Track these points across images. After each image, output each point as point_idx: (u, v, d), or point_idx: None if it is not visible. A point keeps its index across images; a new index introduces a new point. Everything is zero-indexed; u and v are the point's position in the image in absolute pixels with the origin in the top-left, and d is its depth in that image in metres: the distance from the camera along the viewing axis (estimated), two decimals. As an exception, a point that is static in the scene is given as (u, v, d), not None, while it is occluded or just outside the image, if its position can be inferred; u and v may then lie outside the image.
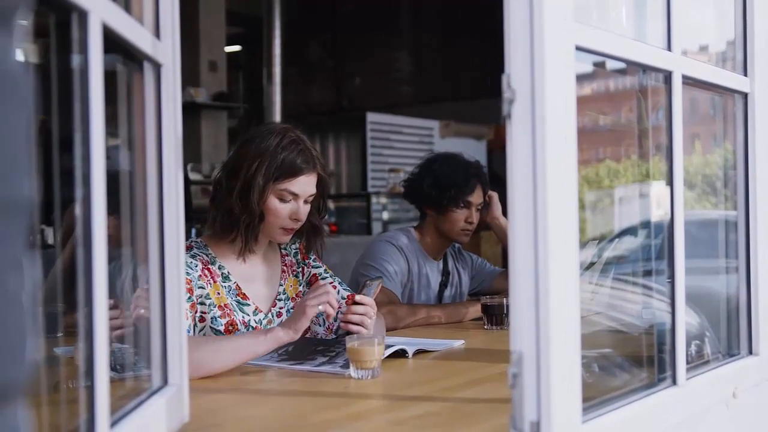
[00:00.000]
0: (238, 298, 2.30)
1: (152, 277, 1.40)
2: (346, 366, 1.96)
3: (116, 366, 1.35)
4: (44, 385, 1.19)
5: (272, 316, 2.36)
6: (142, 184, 1.38)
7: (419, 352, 2.25)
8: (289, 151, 2.26)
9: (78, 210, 1.04)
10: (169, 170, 1.40)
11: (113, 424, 1.12)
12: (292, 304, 2.42)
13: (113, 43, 1.14)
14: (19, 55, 0.61)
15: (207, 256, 2.29)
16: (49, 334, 1.35)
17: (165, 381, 1.40)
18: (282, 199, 2.27)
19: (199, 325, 2.20)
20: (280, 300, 2.41)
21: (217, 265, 2.30)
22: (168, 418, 1.36)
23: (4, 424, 0.60)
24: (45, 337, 1.15)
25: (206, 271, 2.24)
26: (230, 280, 2.30)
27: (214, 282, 2.26)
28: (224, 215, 2.27)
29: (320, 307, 2.05)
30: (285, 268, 2.46)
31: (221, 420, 1.66)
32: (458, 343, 2.42)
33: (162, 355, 1.40)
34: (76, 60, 1.04)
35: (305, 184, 2.29)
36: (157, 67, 1.38)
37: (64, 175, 1.06)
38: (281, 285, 2.43)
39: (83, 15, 1.02)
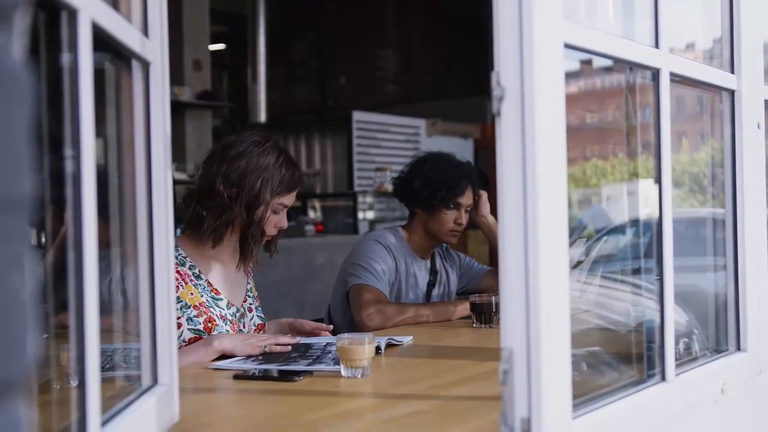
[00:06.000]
0: (212, 294, 2.38)
1: (141, 277, 1.39)
2: (337, 363, 1.96)
3: (104, 365, 1.34)
4: (34, 385, 1.19)
5: (244, 310, 2.48)
6: (130, 184, 1.38)
7: (389, 346, 2.32)
8: (286, 167, 2.39)
9: (68, 210, 1.03)
10: (158, 170, 1.39)
11: (104, 423, 1.11)
12: (257, 303, 2.56)
13: (101, 41, 1.13)
14: (19, 53, 0.61)
15: (176, 257, 2.33)
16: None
17: (155, 380, 1.40)
18: (275, 212, 2.39)
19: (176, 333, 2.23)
20: (249, 297, 2.53)
21: (187, 266, 2.37)
22: (158, 418, 1.35)
23: (7, 419, 0.60)
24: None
25: (176, 274, 2.27)
26: (202, 279, 2.38)
27: (186, 283, 2.33)
28: (225, 225, 2.35)
29: (266, 348, 2.19)
30: (249, 269, 2.58)
31: (211, 420, 1.66)
32: (407, 339, 2.46)
33: (152, 355, 1.40)
34: (65, 58, 1.03)
35: (294, 197, 2.45)
36: (145, 65, 1.37)
37: (51, 175, 1.05)
38: (249, 284, 2.55)
39: (73, 13, 1.01)
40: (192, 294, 2.32)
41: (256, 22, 9.42)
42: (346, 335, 2.02)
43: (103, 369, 1.12)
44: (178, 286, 2.28)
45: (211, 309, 2.34)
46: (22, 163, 0.60)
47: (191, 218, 2.37)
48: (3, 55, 0.58)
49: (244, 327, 2.44)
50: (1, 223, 0.59)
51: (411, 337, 2.48)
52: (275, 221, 2.40)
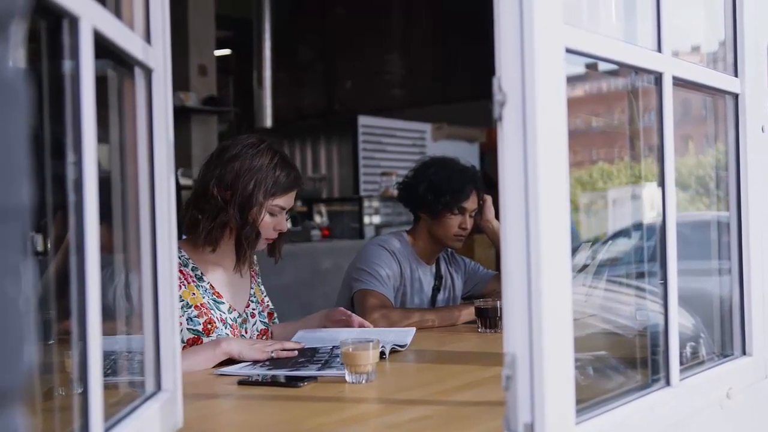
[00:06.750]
0: (214, 296, 2.39)
1: (144, 284, 1.40)
2: (342, 368, 1.96)
3: (108, 371, 1.35)
4: (38, 392, 1.19)
5: (247, 316, 2.48)
6: (133, 190, 1.38)
7: (393, 352, 2.31)
8: (281, 169, 2.38)
9: (70, 217, 1.03)
10: (160, 176, 1.39)
11: (107, 429, 1.11)
12: (261, 307, 2.55)
13: (104, 48, 1.14)
14: (16, 62, 0.61)
15: (179, 258, 2.34)
16: (41, 341, 1.34)
17: (158, 386, 1.40)
18: (272, 214, 2.39)
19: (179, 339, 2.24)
20: (252, 302, 2.53)
21: (190, 267, 2.38)
22: (162, 424, 1.35)
23: (5, 428, 0.60)
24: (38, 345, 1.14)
25: (179, 274, 2.28)
26: (204, 281, 2.38)
27: (188, 283, 2.34)
28: (220, 228, 2.35)
29: (273, 354, 2.20)
30: (253, 274, 2.58)
31: (215, 426, 1.66)
32: (411, 333, 2.49)
33: (155, 361, 1.40)
34: (66, 65, 1.04)
35: (292, 199, 2.44)
36: (148, 72, 1.38)
37: (55, 182, 1.06)
38: (252, 288, 2.54)
39: (74, 21, 1.01)
40: (194, 294, 2.33)
41: (262, 27, 9.43)
42: (350, 340, 2.01)
43: (106, 374, 1.12)
44: (180, 285, 2.28)
45: (212, 311, 2.35)
46: (20, 172, 0.60)
47: (189, 222, 2.38)
48: (0, 64, 0.59)
49: (246, 332, 2.44)
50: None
51: (413, 329, 2.51)
52: (274, 224, 2.40)
